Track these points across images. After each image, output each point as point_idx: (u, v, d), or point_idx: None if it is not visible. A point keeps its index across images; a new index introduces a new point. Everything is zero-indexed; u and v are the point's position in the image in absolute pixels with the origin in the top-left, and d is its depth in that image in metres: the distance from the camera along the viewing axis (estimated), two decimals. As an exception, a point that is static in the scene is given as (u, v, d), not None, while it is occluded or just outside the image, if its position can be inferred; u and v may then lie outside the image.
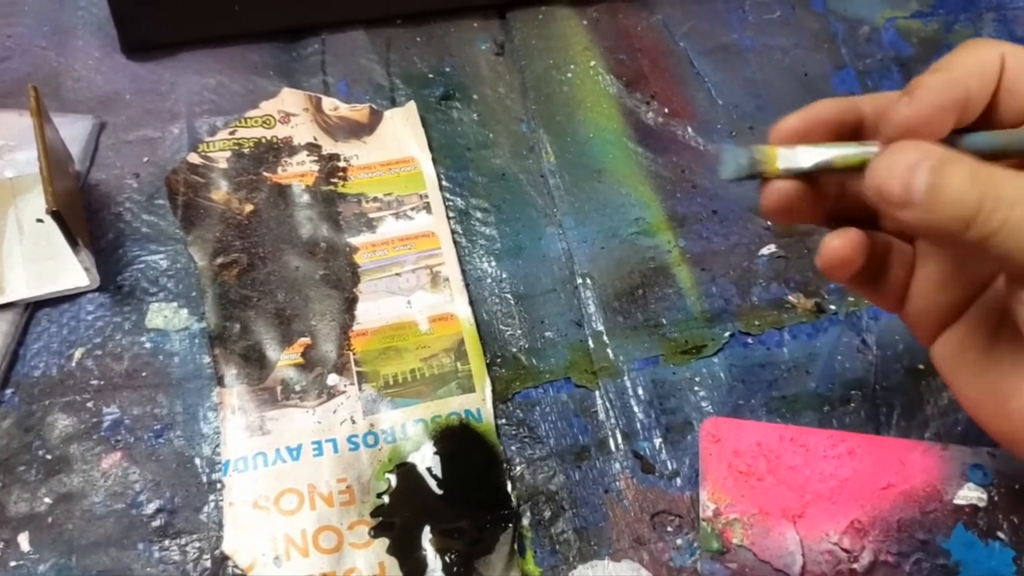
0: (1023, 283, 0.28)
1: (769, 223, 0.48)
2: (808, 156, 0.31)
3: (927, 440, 0.42)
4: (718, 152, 0.33)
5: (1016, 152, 0.30)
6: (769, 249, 0.47)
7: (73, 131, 0.47)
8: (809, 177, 0.32)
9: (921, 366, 0.44)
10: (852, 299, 0.46)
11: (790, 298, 0.46)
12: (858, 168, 0.30)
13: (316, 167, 0.48)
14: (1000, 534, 0.40)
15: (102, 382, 0.41)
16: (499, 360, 0.43)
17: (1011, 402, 0.30)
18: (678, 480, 0.41)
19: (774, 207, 0.32)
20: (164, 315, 0.43)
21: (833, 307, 0.46)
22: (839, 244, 0.32)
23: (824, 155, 0.31)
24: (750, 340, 0.45)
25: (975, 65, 0.30)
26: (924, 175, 0.27)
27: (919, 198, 0.27)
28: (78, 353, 0.42)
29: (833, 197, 0.34)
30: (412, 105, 0.50)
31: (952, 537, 0.40)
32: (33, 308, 0.43)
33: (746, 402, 0.43)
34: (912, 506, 0.40)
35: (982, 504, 0.40)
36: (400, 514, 0.39)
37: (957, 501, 0.40)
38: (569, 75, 0.53)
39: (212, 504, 0.39)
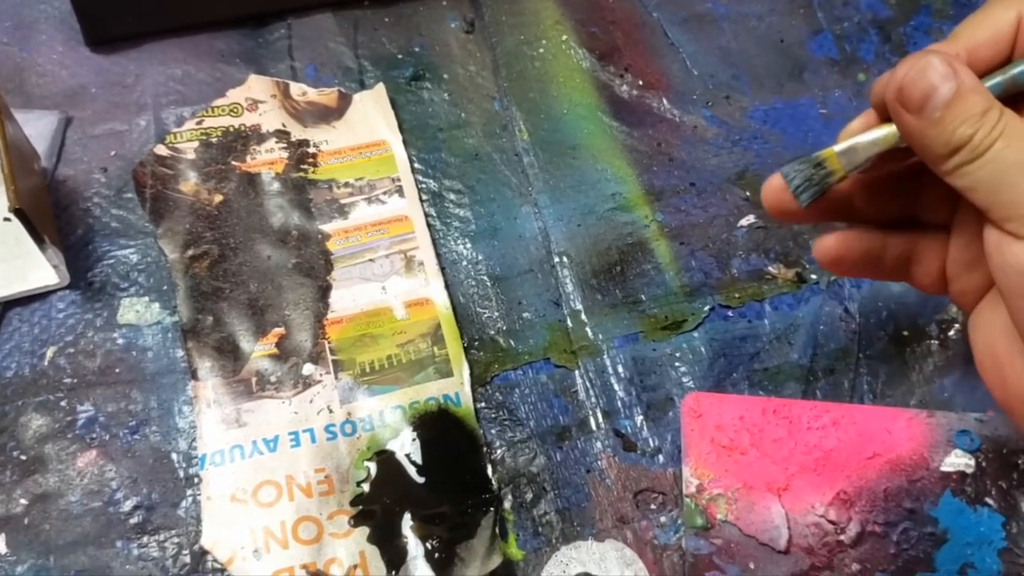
0: (995, 220, 0.29)
1: (748, 193, 0.47)
2: (865, 144, 0.32)
3: (912, 408, 0.42)
4: (784, 178, 0.34)
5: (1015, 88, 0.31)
6: (748, 220, 0.47)
7: (39, 127, 0.47)
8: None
9: (905, 333, 0.44)
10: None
11: (770, 269, 0.45)
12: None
13: (285, 154, 0.47)
14: (988, 500, 0.39)
15: (75, 380, 0.41)
16: (477, 343, 0.43)
17: (1003, 369, 0.32)
18: (660, 457, 0.40)
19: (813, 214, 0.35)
20: (136, 310, 0.43)
21: (814, 276, 0.45)
22: (832, 243, 0.36)
23: (878, 134, 0.32)
24: (730, 313, 0.44)
25: (991, 23, 0.31)
26: (946, 93, 0.29)
27: (930, 112, 0.29)
28: (50, 352, 0.41)
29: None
30: (381, 87, 0.49)
31: (940, 505, 0.39)
32: (3, 308, 0.42)
33: (728, 376, 0.42)
34: (899, 475, 0.40)
35: (970, 470, 0.40)
36: (380, 502, 0.38)
37: (944, 468, 0.40)
38: (541, 51, 0.52)
39: (190, 499, 0.38)
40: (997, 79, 0.31)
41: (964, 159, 0.29)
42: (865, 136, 0.32)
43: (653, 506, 0.39)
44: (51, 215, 0.44)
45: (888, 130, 0.32)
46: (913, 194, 0.35)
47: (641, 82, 0.51)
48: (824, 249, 0.36)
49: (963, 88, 0.29)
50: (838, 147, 0.33)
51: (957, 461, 0.40)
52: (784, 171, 0.34)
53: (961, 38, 0.31)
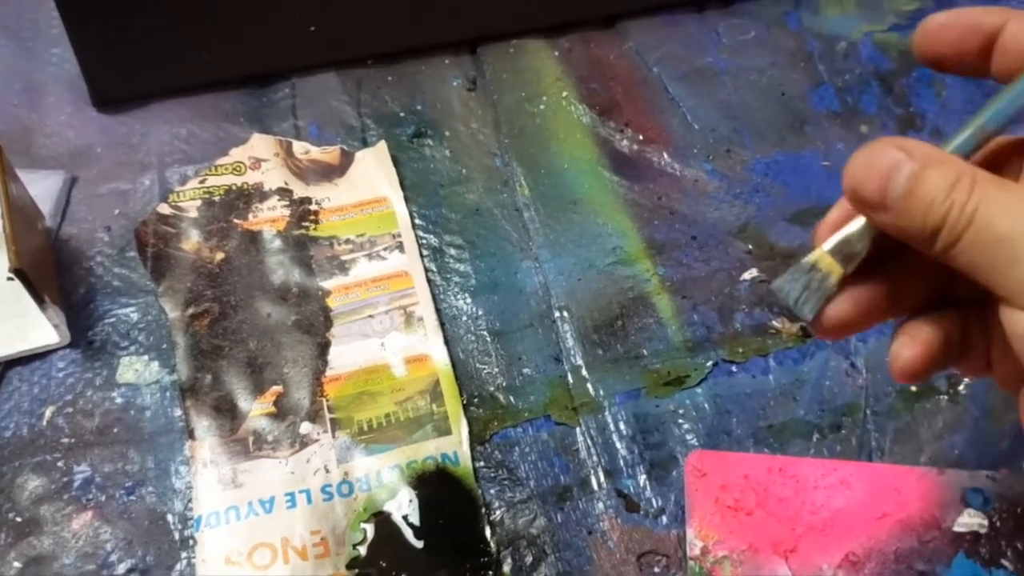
0: (1001, 299, 0.26)
1: (751, 246, 0.47)
2: (857, 233, 0.28)
3: (922, 465, 0.41)
4: (778, 295, 0.31)
5: (992, 135, 0.28)
6: (751, 274, 0.46)
7: (44, 187, 0.47)
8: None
9: (913, 388, 0.43)
10: (838, 321, 0.45)
11: (774, 323, 0.45)
12: None
13: (287, 212, 0.47)
14: (1004, 562, 0.38)
15: (73, 440, 0.41)
16: (476, 400, 0.42)
17: None
18: (664, 518, 0.39)
19: (836, 326, 0.30)
20: (135, 369, 0.43)
21: (819, 330, 0.45)
22: (910, 356, 0.29)
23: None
24: (734, 368, 0.44)
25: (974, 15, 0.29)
26: (903, 180, 0.26)
27: (892, 205, 0.26)
28: (49, 411, 0.41)
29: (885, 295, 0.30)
30: (383, 145, 0.50)
31: (953, 567, 0.38)
32: (4, 368, 0.42)
33: (732, 433, 0.42)
34: (909, 535, 0.39)
35: (983, 530, 0.39)
36: (376, 565, 0.38)
37: (957, 528, 0.39)
38: (541, 107, 0.52)
39: (184, 562, 0.38)
40: (966, 134, 0.28)
41: (947, 241, 0.25)
42: (853, 225, 0.29)
43: (657, 569, 0.38)
44: (53, 274, 0.44)
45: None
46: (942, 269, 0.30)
47: (641, 137, 0.51)
48: (906, 360, 0.29)
49: (919, 168, 0.25)
50: (827, 245, 0.29)
51: (970, 521, 0.39)
52: (776, 286, 0.30)
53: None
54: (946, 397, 0.43)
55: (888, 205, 0.26)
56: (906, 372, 0.29)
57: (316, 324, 0.44)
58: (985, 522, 0.39)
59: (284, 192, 0.48)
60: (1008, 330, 0.26)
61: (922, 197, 0.25)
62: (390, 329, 0.44)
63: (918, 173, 0.25)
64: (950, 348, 0.29)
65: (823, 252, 0.29)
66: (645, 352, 0.44)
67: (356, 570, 0.37)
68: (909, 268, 0.30)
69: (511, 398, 0.42)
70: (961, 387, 0.43)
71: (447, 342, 0.44)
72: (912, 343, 0.29)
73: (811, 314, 0.30)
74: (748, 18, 0.57)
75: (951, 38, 0.29)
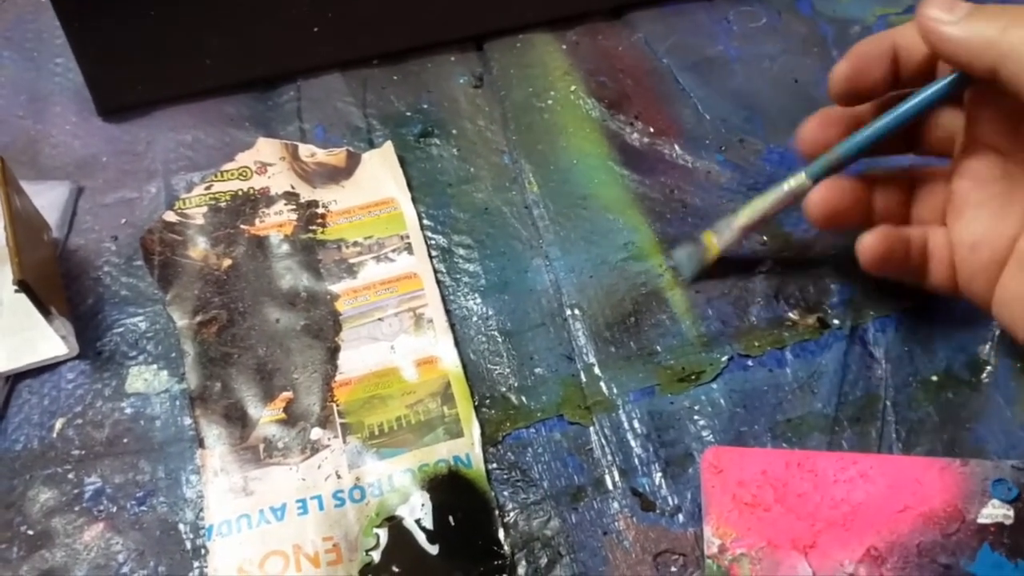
0: None
1: (765, 238, 0.46)
2: (732, 224, 0.42)
3: (944, 457, 0.40)
4: (672, 259, 0.45)
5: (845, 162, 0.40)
6: (766, 265, 0.45)
7: (51, 198, 0.47)
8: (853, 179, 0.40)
9: (934, 377, 0.42)
10: (856, 312, 0.44)
11: (790, 315, 0.44)
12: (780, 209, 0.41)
13: (294, 216, 0.47)
14: (1031, 553, 0.37)
15: (83, 451, 0.40)
16: (488, 401, 0.42)
17: None
18: (680, 516, 0.39)
19: (821, 215, 0.39)
20: (144, 378, 0.42)
21: (836, 321, 0.44)
22: (869, 243, 0.38)
23: (744, 217, 0.42)
24: (750, 363, 0.43)
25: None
26: (966, 6, 0.34)
27: (960, 16, 0.34)
28: (59, 423, 0.41)
29: (867, 197, 0.40)
30: (389, 145, 0.49)
31: (978, 559, 0.37)
32: (14, 380, 0.42)
33: (749, 428, 0.41)
34: (932, 528, 0.38)
35: (1008, 522, 0.38)
36: (390, 571, 0.37)
37: (981, 520, 0.38)
38: (550, 102, 0.52)
39: (197, 571, 0.38)
40: (823, 159, 0.40)
41: (1018, 33, 0.32)
42: (735, 219, 0.42)
43: (674, 568, 0.38)
44: (60, 285, 0.44)
45: (750, 209, 0.42)
46: (910, 196, 0.41)
47: (652, 129, 0.50)
48: (867, 245, 0.38)
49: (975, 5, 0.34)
50: (712, 229, 0.43)
51: (995, 512, 0.38)
52: (673, 253, 0.45)
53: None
54: (967, 386, 0.42)
55: (955, 16, 0.34)
56: (864, 253, 0.38)
57: (325, 329, 0.43)
58: (1011, 513, 0.38)
59: (291, 196, 0.48)
60: None
61: (987, 10, 0.33)
62: (399, 332, 0.43)
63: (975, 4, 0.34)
64: (908, 251, 0.39)
65: (709, 233, 0.43)
66: (659, 348, 0.43)
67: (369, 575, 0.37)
68: (883, 179, 0.41)
69: (523, 398, 0.42)
70: (984, 376, 0.42)
71: (457, 343, 0.43)
72: (874, 233, 0.38)
73: (689, 276, 0.44)
74: (759, 4, 0.56)
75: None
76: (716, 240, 0.42)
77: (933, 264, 0.39)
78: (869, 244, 0.38)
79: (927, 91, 0.37)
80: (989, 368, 0.42)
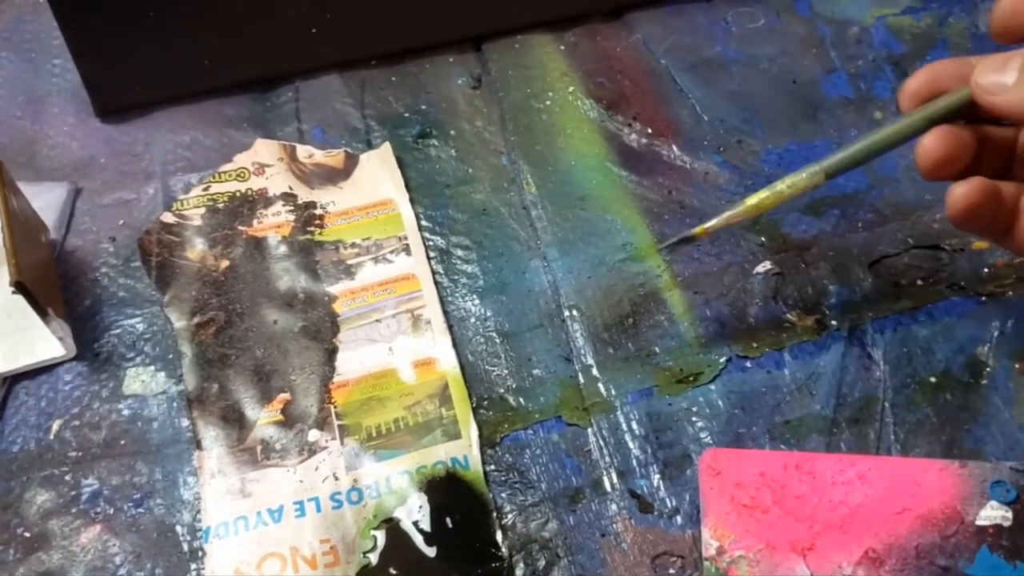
0: None
1: (764, 239, 0.46)
2: (731, 211, 0.40)
3: (943, 458, 0.39)
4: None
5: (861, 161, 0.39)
6: (764, 267, 0.45)
7: (48, 199, 0.47)
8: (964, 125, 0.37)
9: (932, 379, 0.42)
10: (854, 313, 0.44)
11: (789, 316, 0.44)
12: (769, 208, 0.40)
13: (292, 217, 0.47)
14: (1030, 554, 0.37)
15: (80, 453, 0.40)
16: (486, 403, 0.42)
17: None
18: (678, 518, 0.39)
19: (933, 160, 0.36)
20: (142, 380, 0.42)
21: (835, 323, 0.44)
22: (962, 192, 0.36)
23: (717, 220, 0.40)
24: (748, 364, 0.43)
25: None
26: (1014, 69, 0.34)
27: (1010, 84, 0.34)
28: (56, 425, 0.41)
29: (977, 148, 0.37)
30: (387, 146, 0.49)
31: (976, 561, 0.37)
32: (11, 382, 0.42)
33: (747, 430, 0.41)
34: (931, 530, 0.38)
35: (1007, 523, 0.38)
36: (387, 573, 0.37)
37: (980, 522, 0.38)
38: (548, 103, 0.51)
39: (194, 573, 0.38)
40: (840, 155, 0.39)
41: None
42: (723, 215, 0.40)
43: (672, 571, 0.37)
44: (58, 287, 0.44)
45: (728, 214, 0.40)
46: (1013, 148, 0.38)
47: (650, 130, 0.50)
48: (959, 195, 0.36)
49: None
50: (708, 223, 0.40)
51: (993, 514, 0.38)
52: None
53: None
54: (966, 388, 0.42)
55: (1007, 86, 0.34)
56: (956, 204, 0.36)
57: (323, 330, 0.43)
58: (1009, 515, 0.38)
59: (289, 197, 0.47)
60: None
61: None
62: (397, 333, 0.43)
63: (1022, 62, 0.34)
64: (1000, 206, 0.36)
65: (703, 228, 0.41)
66: (657, 350, 0.43)
67: (366, 578, 0.37)
68: (987, 135, 0.37)
69: (521, 400, 0.42)
70: (982, 377, 0.42)
71: (455, 344, 0.43)
72: (969, 183, 0.36)
73: (664, 245, 0.44)
74: (757, 5, 0.56)
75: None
76: (708, 223, 0.40)
77: (1020, 225, 0.37)
78: (961, 194, 0.36)
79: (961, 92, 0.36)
80: (987, 370, 0.42)
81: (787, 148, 0.50)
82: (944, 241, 0.46)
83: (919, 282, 0.45)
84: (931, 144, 0.36)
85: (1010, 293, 0.44)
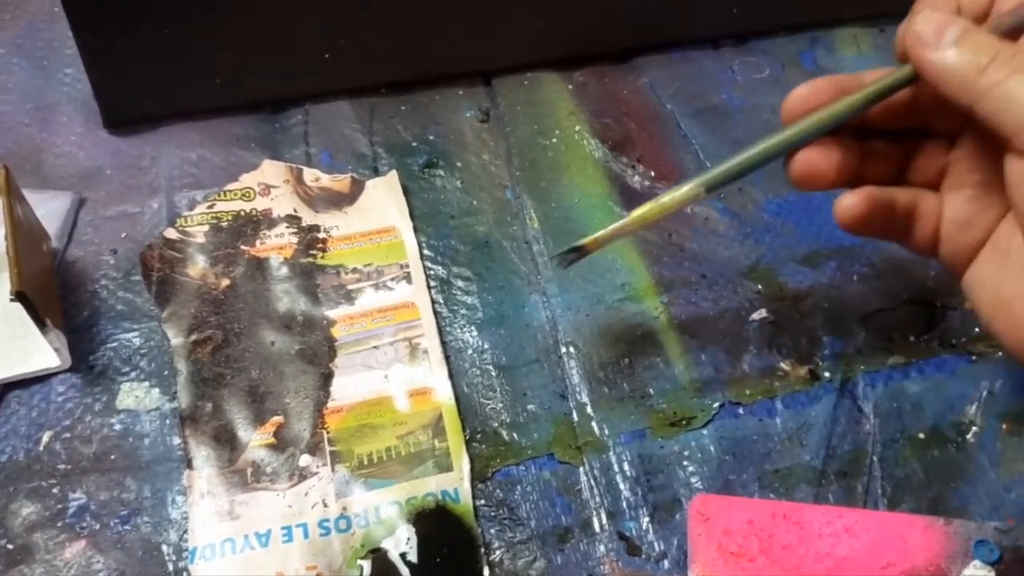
0: (1009, 147, 0.32)
1: (760, 287, 0.47)
2: (616, 223, 0.39)
3: (929, 515, 0.40)
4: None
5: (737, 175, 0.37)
6: (760, 314, 0.46)
7: (52, 208, 0.47)
8: (835, 136, 0.37)
9: (921, 435, 0.42)
10: (847, 365, 0.44)
11: (782, 365, 0.44)
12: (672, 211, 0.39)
13: (295, 239, 0.47)
14: (1011, 616, 0.37)
15: (69, 466, 0.40)
16: (479, 436, 0.42)
17: (1015, 309, 0.33)
18: (665, 562, 0.39)
19: (801, 174, 0.37)
20: (135, 395, 0.42)
21: (827, 374, 0.44)
22: (848, 203, 0.36)
23: (628, 219, 0.39)
24: (741, 410, 0.43)
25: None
26: (956, 29, 0.33)
27: (947, 43, 0.32)
28: (46, 436, 0.41)
29: (855, 160, 0.37)
30: (394, 174, 0.50)
31: (958, 620, 0.37)
32: (3, 390, 0.42)
33: (737, 477, 0.41)
34: (915, 587, 0.38)
35: (990, 584, 0.38)
36: (372, 603, 0.37)
37: (963, 581, 0.38)
38: (554, 140, 0.52)
39: (178, 594, 0.37)
40: (720, 168, 0.37)
41: (995, 77, 0.31)
42: (611, 227, 0.39)
43: (657, 614, 0.38)
44: (57, 297, 0.44)
45: (615, 225, 0.39)
46: (907, 156, 0.39)
47: (653, 173, 0.51)
48: (846, 206, 0.37)
49: (968, 26, 0.33)
50: (596, 235, 0.40)
51: (976, 573, 0.38)
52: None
53: None
54: (954, 446, 0.42)
55: (942, 44, 0.33)
56: (843, 215, 0.36)
57: (320, 354, 0.43)
58: (992, 574, 0.38)
59: (293, 219, 0.48)
60: (1014, 180, 0.32)
61: (968, 42, 0.32)
62: (394, 361, 0.43)
63: (968, 28, 0.32)
64: (893, 213, 0.37)
65: (593, 238, 0.40)
66: (651, 391, 0.43)
67: (352, 608, 0.37)
68: (875, 147, 0.38)
69: (514, 435, 0.42)
70: (969, 436, 0.42)
71: (451, 375, 0.43)
72: (856, 194, 0.36)
73: (563, 265, 0.41)
74: (763, 56, 0.57)
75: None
76: (598, 234, 0.40)
77: (919, 227, 0.37)
78: (848, 205, 0.36)
79: (878, 84, 0.36)
80: (975, 429, 0.43)
81: (786, 199, 0.50)
82: (938, 298, 0.46)
83: (911, 338, 0.45)
84: (802, 159, 0.37)
85: (1000, 354, 0.45)
